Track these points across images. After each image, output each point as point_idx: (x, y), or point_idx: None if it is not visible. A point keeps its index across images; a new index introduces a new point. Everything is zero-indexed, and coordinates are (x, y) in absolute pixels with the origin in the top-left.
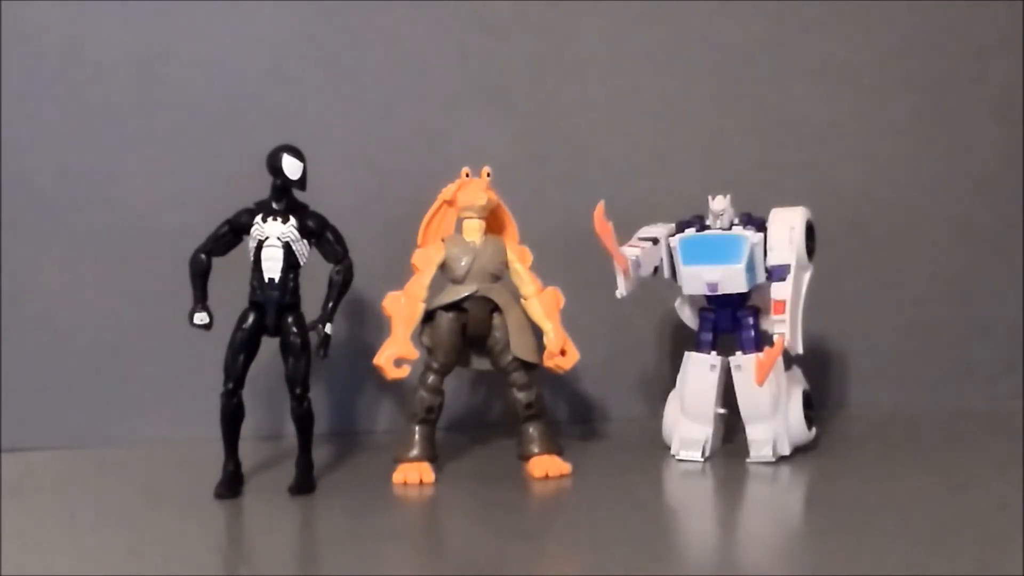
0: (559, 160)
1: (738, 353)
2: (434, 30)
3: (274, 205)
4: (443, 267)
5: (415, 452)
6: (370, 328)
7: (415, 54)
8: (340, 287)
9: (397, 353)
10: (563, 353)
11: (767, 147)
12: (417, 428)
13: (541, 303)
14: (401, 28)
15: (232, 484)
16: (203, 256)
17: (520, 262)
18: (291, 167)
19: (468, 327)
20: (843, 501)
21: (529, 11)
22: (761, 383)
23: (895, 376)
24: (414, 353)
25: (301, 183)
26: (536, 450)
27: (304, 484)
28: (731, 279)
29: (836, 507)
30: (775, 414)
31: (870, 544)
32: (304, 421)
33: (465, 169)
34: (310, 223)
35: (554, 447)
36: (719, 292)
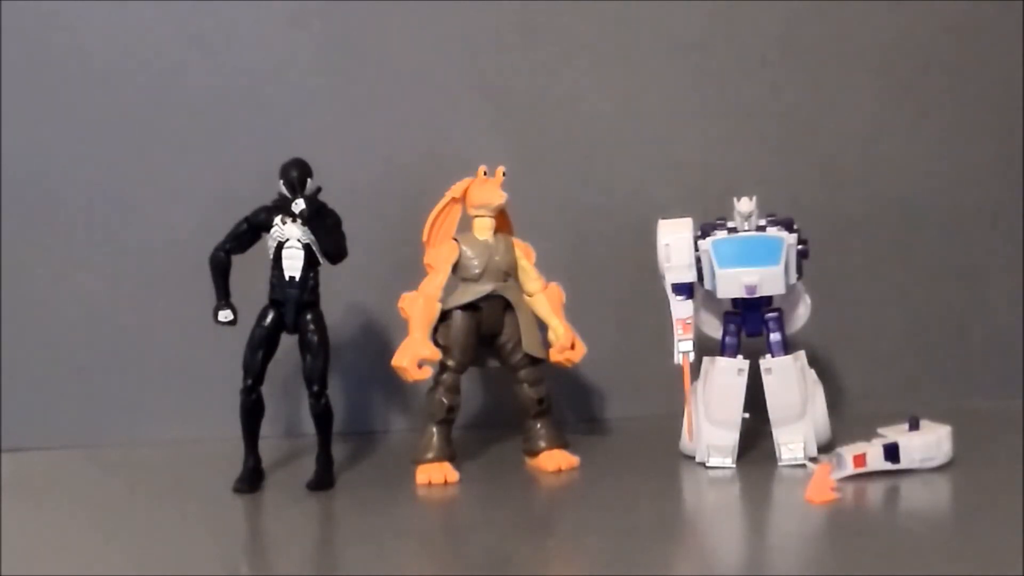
0: (564, 157)
1: (768, 356)
2: (435, 30)
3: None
4: (455, 266)
5: (435, 452)
6: (381, 328)
7: (417, 55)
8: (336, 247)
9: (421, 355)
10: (572, 346)
11: (768, 147)
12: (436, 428)
13: (548, 299)
14: (402, 29)
15: (252, 479)
16: (223, 253)
17: (526, 258)
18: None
19: (481, 325)
20: (862, 502)
21: (531, 10)
22: None
23: (895, 376)
24: (437, 354)
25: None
26: (544, 445)
27: (323, 480)
28: (770, 281)
29: (856, 507)
30: (803, 416)
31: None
32: (323, 418)
33: (483, 167)
34: (327, 221)
35: (561, 441)
36: (757, 295)
